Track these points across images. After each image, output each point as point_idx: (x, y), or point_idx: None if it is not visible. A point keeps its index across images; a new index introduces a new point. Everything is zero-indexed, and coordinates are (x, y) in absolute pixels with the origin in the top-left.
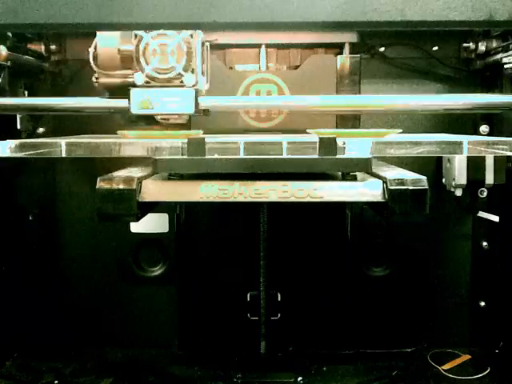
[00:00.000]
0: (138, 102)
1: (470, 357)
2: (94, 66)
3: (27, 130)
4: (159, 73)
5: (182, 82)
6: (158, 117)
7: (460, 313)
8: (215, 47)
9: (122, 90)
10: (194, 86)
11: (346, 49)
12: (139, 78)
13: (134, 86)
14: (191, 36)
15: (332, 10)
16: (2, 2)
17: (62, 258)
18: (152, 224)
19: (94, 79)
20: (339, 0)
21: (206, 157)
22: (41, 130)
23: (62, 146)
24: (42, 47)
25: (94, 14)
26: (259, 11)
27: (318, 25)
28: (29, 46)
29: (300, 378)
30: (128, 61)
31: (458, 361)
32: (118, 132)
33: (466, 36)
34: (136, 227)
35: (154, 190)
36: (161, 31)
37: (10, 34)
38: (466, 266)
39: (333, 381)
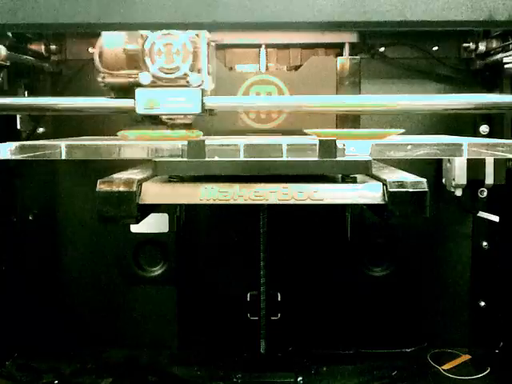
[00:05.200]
0: (145, 102)
1: (469, 357)
2: (99, 66)
3: (27, 130)
4: (165, 73)
5: (188, 81)
6: (164, 117)
7: (460, 313)
8: (216, 47)
9: (126, 91)
10: (199, 85)
11: (346, 49)
12: (145, 77)
13: (140, 85)
14: (197, 35)
15: (332, 9)
16: (1, 2)
17: (61, 258)
18: (152, 224)
19: (99, 79)
20: (339, 0)
21: (206, 159)
22: (41, 130)
23: (61, 148)
24: (42, 47)
25: (94, 14)
26: (259, 11)
27: (318, 25)
28: (29, 46)
29: (300, 378)
30: (134, 60)
31: (458, 361)
32: (119, 133)
33: (466, 36)
34: (136, 227)
35: (154, 192)
36: (166, 31)
37: (9, 34)
38: (466, 266)
39: (333, 381)
